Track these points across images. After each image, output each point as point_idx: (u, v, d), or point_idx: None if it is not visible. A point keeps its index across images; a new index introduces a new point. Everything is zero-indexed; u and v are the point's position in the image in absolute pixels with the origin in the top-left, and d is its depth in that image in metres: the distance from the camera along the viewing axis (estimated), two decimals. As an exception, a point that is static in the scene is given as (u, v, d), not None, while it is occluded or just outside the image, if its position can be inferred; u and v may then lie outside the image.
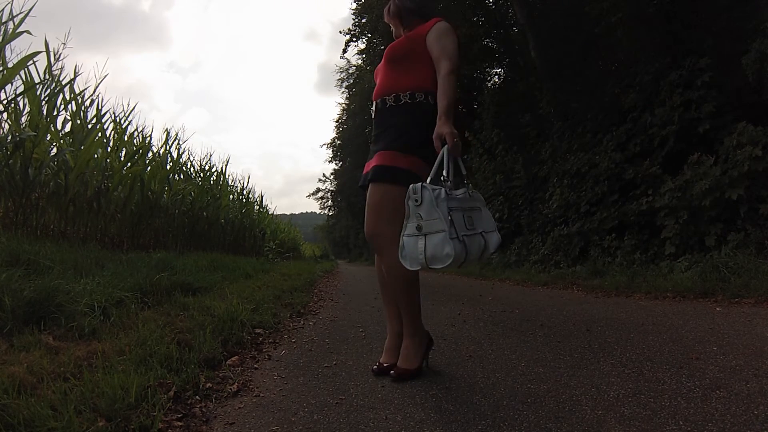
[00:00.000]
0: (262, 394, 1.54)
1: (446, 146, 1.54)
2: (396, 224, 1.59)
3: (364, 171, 1.82)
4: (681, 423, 1.15)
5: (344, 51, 12.87)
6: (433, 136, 1.58)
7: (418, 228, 1.42)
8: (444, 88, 1.62)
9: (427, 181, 1.49)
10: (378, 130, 1.78)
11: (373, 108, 1.82)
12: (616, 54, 7.04)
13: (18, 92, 4.05)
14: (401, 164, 1.64)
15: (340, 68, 26.15)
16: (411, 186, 1.46)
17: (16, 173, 3.93)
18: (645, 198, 5.15)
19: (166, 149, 7.02)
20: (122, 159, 5.56)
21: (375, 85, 1.92)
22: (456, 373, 1.70)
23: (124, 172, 5.45)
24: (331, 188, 34.89)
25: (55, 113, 4.62)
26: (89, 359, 1.57)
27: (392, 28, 1.94)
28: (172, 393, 1.38)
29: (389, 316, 1.81)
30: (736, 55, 4.54)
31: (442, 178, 1.51)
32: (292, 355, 2.10)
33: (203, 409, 1.38)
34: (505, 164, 8.86)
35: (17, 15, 3.87)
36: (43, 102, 4.33)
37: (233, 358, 1.91)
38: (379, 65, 1.89)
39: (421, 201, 1.42)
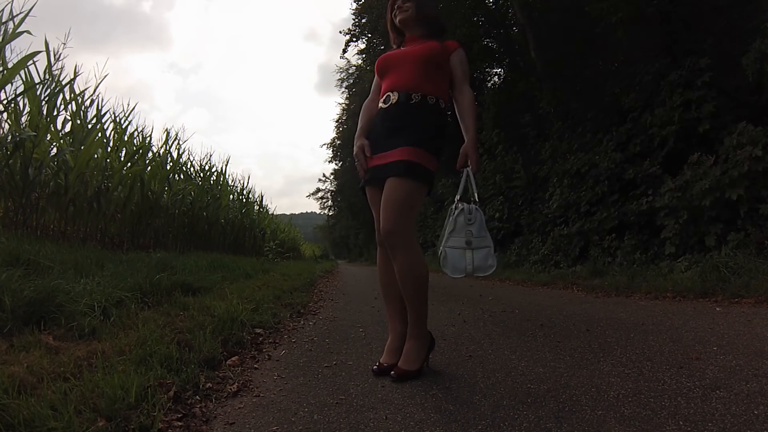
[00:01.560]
0: (262, 394, 1.54)
1: (470, 168, 1.69)
2: (413, 222, 1.69)
3: (373, 163, 1.73)
4: (681, 423, 1.15)
5: (344, 51, 12.90)
6: (461, 152, 1.70)
7: (468, 243, 1.64)
8: (474, 112, 1.75)
9: (457, 198, 1.69)
10: (396, 123, 1.71)
11: (392, 98, 1.74)
12: (616, 54, 7.04)
13: (18, 92, 4.05)
14: (429, 164, 1.69)
15: (340, 68, 26.14)
16: (465, 205, 1.66)
17: (16, 173, 3.93)
18: (645, 198, 5.16)
19: (166, 149, 7.03)
20: (122, 159, 5.56)
21: (379, 76, 1.86)
22: (456, 373, 1.70)
23: (124, 172, 5.45)
24: (331, 188, 34.92)
25: (55, 113, 4.62)
26: (89, 359, 1.56)
27: (399, 20, 1.85)
28: (172, 393, 1.38)
29: (391, 317, 1.80)
30: (736, 55, 4.54)
31: (473, 199, 1.68)
32: (292, 355, 2.10)
33: (203, 409, 1.38)
34: (505, 164, 8.87)
35: (17, 15, 3.87)
36: (43, 102, 4.32)
37: (233, 358, 1.91)
38: (391, 55, 1.83)
39: (474, 220, 1.65)
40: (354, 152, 1.81)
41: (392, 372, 1.64)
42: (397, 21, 1.86)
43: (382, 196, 1.67)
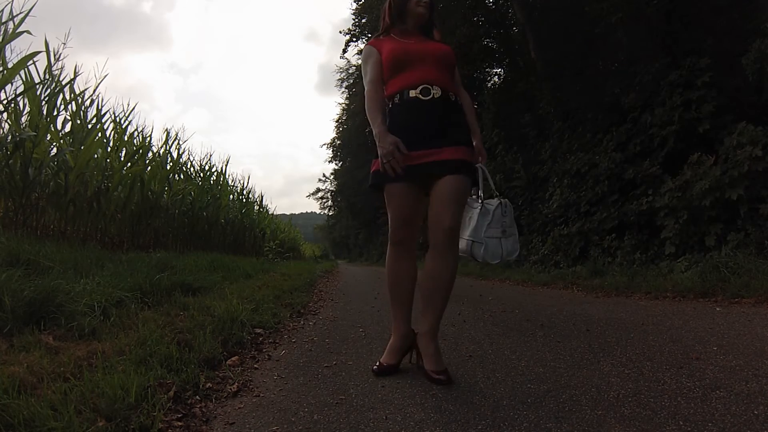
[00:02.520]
0: (262, 394, 1.54)
1: (482, 163, 1.80)
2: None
3: (420, 159, 1.63)
4: (681, 423, 1.15)
5: (344, 51, 12.91)
6: (476, 149, 1.80)
7: (503, 232, 1.79)
8: (474, 112, 1.83)
9: (480, 193, 1.79)
10: (443, 119, 1.68)
11: (434, 92, 1.68)
12: (616, 54, 7.04)
13: (18, 92, 4.05)
14: (475, 162, 1.79)
15: (340, 68, 26.16)
16: (502, 201, 1.79)
17: (16, 173, 3.93)
18: (645, 198, 5.16)
19: (166, 149, 7.03)
20: (122, 159, 5.56)
21: (395, 66, 1.78)
22: (456, 373, 1.69)
23: (124, 172, 5.45)
24: (331, 188, 34.96)
25: (55, 113, 4.62)
26: (89, 359, 1.57)
27: (418, 13, 1.80)
28: (172, 393, 1.38)
29: (396, 318, 1.77)
30: (736, 55, 4.55)
31: (495, 194, 1.81)
32: (292, 355, 2.10)
33: (203, 409, 1.38)
34: (505, 164, 8.86)
35: (17, 15, 3.87)
36: (43, 102, 4.32)
37: (233, 358, 1.91)
38: (409, 47, 1.75)
39: (507, 214, 1.81)
40: (385, 150, 1.62)
41: (440, 377, 1.58)
42: (417, 11, 1.80)
43: (446, 193, 1.63)
